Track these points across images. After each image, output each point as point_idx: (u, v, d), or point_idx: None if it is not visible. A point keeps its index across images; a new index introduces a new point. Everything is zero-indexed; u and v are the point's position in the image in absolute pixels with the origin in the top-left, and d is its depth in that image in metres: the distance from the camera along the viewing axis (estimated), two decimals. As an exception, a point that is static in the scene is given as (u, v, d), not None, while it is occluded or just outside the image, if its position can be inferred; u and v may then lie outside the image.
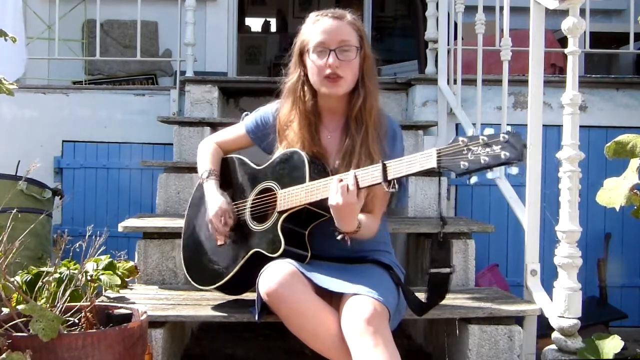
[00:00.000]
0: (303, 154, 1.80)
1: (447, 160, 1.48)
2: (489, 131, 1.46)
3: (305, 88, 1.86)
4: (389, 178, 1.58)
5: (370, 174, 1.62)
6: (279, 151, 1.89)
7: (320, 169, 1.81)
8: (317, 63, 1.80)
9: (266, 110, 1.99)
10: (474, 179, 1.48)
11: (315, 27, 1.82)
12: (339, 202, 1.63)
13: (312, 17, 1.86)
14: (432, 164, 1.50)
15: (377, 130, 1.84)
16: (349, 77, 1.81)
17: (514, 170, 1.45)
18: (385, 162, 1.60)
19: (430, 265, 1.70)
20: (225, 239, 1.87)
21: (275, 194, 1.82)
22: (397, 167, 1.57)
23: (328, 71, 1.78)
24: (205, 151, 2.04)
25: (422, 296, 1.80)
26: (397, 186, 1.60)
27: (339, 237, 1.71)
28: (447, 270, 1.69)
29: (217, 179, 1.96)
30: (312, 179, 1.74)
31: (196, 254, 1.98)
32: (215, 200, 1.89)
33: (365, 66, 1.84)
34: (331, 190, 1.65)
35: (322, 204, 1.72)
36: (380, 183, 1.59)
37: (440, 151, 1.50)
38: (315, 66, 1.80)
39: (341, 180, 1.65)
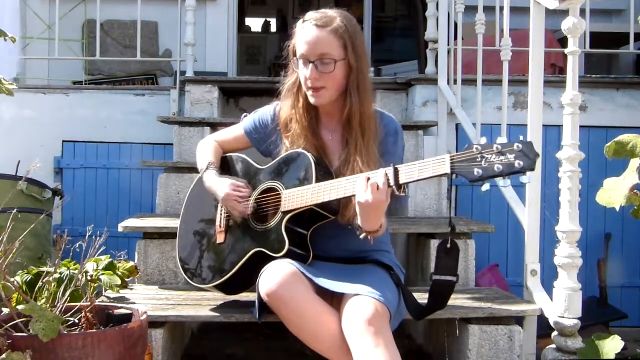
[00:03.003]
0: (309, 155, 1.80)
1: (461, 167, 1.48)
2: (501, 139, 1.47)
3: (300, 90, 1.86)
4: (401, 182, 1.57)
5: (381, 177, 1.61)
6: (283, 150, 1.89)
7: (326, 171, 1.81)
8: (301, 72, 1.80)
9: (264, 112, 1.99)
10: (486, 187, 1.48)
11: (300, 35, 1.80)
12: (368, 199, 1.58)
13: (300, 22, 1.83)
14: (446, 169, 1.50)
15: (370, 136, 1.81)
16: (330, 87, 1.79)
17: (524, 178, 1.45)
18: (397, 167, 1.59)
19: (434, 272, 1.68)
20: (248, 213, 1.84)
21: (279, 194, 1.81)
22: (409, 172, 1.56)
23: (309, 82, 1.78)
24: (205, 147, 2.04)
25: (421, 297, 1.79)
26: (407, 190, 1.59)
27: (361, 236, 1.68)
28: (452, 278, 1.67)
29: (218, 170, 1.95)
30: (318, 180, 1.74)
31: (194, 252, 1.98)
32: (221, 182, 1.88)
33: (352, 76, 1.79)
34: (359, 187, 1.61)
35: (328, 205, 1.72)
36: (391, 186, 1.59)
37: (454, 157, 1.50)
38: (301, 75, 1.81)
39: (369, 179, 1.61)
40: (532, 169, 1.43)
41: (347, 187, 1.67)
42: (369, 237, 1.69)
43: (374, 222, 1.64)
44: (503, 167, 1.43)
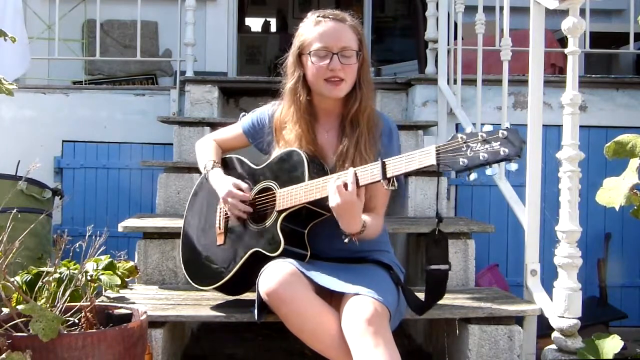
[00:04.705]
0: (302, 153, 1.80)
1: (446, 157, 1.48)
2: (487, 128, 1.46)
3: (302, 88, 1.86)
4: (388, 176, 1.58)
5: (369, 172, 1.62)
6: (277, 151, 1.90)
7: (319, 168, 1.81)
8: (318, 65, 1.80)
9: (262, 112, 2.00)
10: (473, 176, 1.48)
11: (316, 30, 1.81)
12: (338, 202, 1.63)
13: (313, 18, 1.85)
14: (431, 160, 1.50)
15: (372, 131, 1.85)
16: (349, 80, 1.82)
17: (513, 166, 1.45)
18: (384, 160, 1.60)
19: (427, 263, 1.70)
20: (247, 215, 1.85)
21: (274, 193, 1.82)
22: (396, 165, 1.57)
23: (329, 74, 1.79)
24: (205, 147, 2.05)
25: (421, 297, 1.79)
26: (396, 184, 1.60)
27: (346, 240, 1.71)
28: (444, 267, 1.69)
29: (222, 168, 1.96)
30: (311, 177, 1.74)
31: (196, 254, 1.98)
32: (225, 181, 1.89)
33: (363, 69, 1.85)
34: (330, 190, 1.65)
35: (322, 202, 1.72)
36: (379, 181, 1.59)
37: (439, 148, 1.50)
38: (316, 68, 1.80)
39: (339, 179, 1.65)
40: (518, 156, 1.42)
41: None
42: (353, 239, 1.70)
43: (351, 223, 1.68)
44: (488, 156, 1.43)
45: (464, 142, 1.46)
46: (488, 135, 1.44)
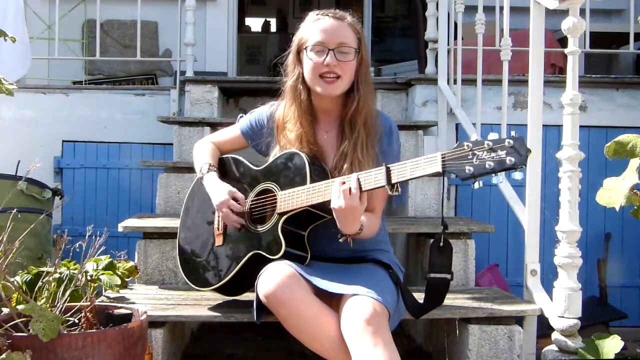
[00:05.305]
0: (303, 155, 1.79)
1: (452, 165, 1.48)
2: (493, 136, 1.46)
3: (302, 87, 1.86)
4: (393, 182, 1.57)
5: (373, 177, 1.61)
6: (277, 152, 1.89)
7: (320, 170, 1.80)
8: (314, 60, 1.79)
9: (260, 112, 1.99)
10: (478, 184, 1.48)
11: (314, 26, 1.82)
12: (341, 205, 1.62)
13: (312, 16, 1.85)
14: (437, 168, 1.50)
15: (371, 133, 1.84)
16: (345, 78, 1.81)
17: (517, 175, 1.45)
18: (389, 166, 1.59)
19: (429, 270, 1.70)
20: (239, 226, 1.85)
21: (274, 195, 1.81)
22: (402, 171, 1.57)
23: (325, 69, 1.78)
24: (203, 149, 2.03)
25: (421, 296, 1.79)
26: (400, 189, 1.59)
27: (341, 240, 1.71)
28: (446, 276, 1.69)
29: (217, 172, 1.95)
30: (312, 180, 1.74)
31: (194, 255, 1.98)
32: (220, 188, 1.88)
33: (361, 70, 1.84)
34: (333, 193, 1.64)
35: (323, 205, 1.71)
36: (383, 186, 1.59)
37: (445, 155, 1.49)
38: (312, 63, 1.80)
39: (344, 183, 1.64)
40: (524, 165, 1.42)
41: None
42: (348, 240, 1.71)
43: (351, 225, 1.67)
44: (494, 164, 1.42)
45: (470, 150, 1.46)
46: (494, 144, 1.44)
